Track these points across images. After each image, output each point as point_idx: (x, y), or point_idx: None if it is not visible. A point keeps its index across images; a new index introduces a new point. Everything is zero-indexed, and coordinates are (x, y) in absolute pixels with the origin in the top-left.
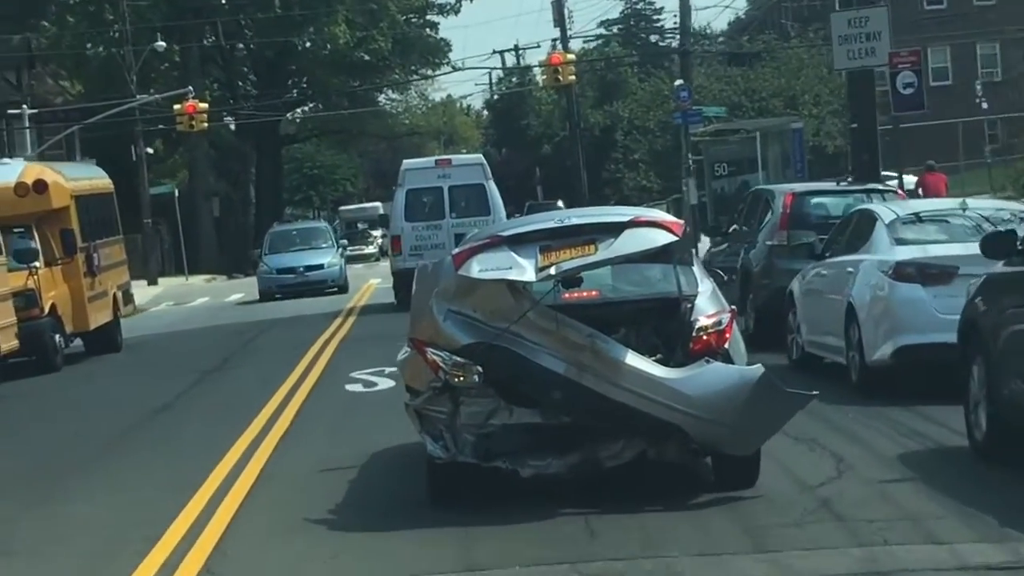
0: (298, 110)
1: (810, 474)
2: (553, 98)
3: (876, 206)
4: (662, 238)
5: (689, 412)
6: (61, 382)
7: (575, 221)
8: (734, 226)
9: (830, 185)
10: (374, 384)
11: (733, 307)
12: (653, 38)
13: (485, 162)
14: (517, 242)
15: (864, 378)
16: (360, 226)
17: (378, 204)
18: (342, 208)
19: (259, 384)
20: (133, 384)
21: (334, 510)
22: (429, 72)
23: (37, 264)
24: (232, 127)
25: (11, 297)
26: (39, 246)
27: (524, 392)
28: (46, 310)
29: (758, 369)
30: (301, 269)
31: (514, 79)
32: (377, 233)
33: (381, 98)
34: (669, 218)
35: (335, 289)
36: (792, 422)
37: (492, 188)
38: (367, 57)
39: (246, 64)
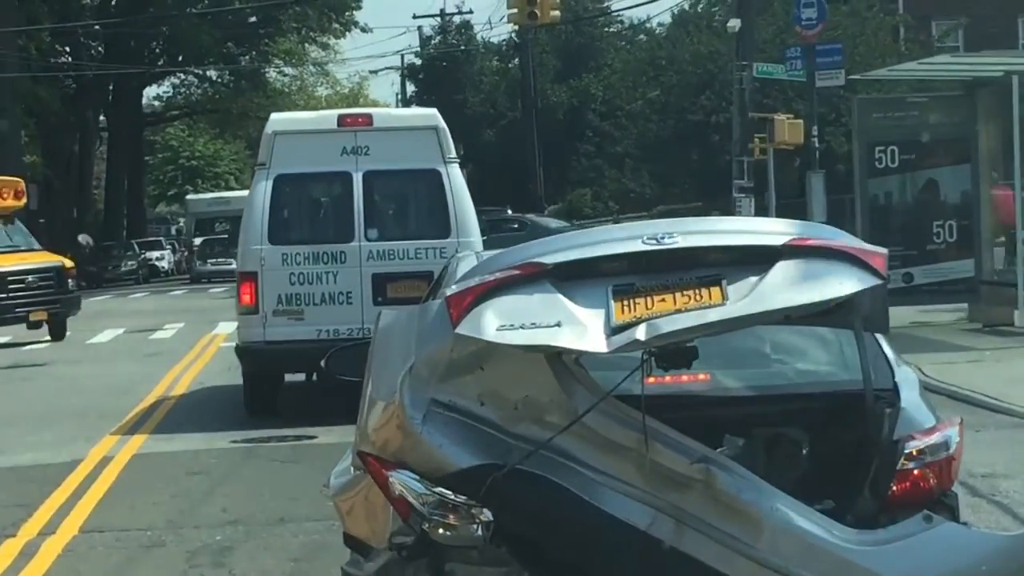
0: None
1: None
2: (499, 68)
3: None
4: (851, 280)
5: None
6: None
7: (682, 241)
8: None
9: None
10: None
11: (960, 417)
12: None
13: (443, 125)
14: (572, 275)
15: None
16: (220, 226)
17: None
18: (190, 198)
19: None
20: None
21: None
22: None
23: None
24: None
25: None
26: None
27: (569, 561)
28: None
29: None
30: None
31: (448, 37)
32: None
33: (271, 71)
34: (858, 243)
35: None
36: None
37: (456, 180)
38: (248, 9)
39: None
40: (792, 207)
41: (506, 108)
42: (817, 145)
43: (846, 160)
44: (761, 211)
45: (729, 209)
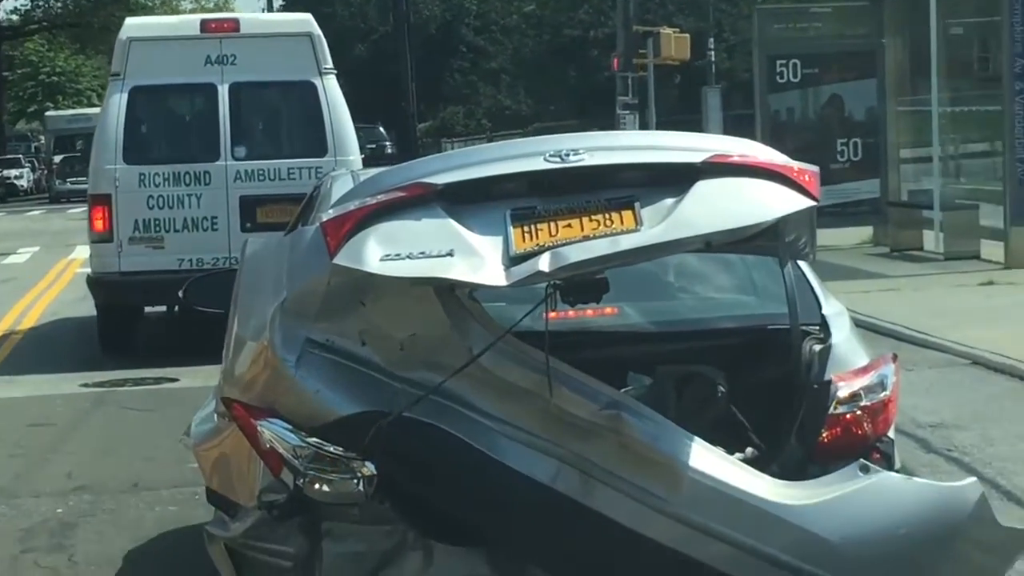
0: None
1: None
2: None
3: None
4: (780, 201)
5: None
6: None
7: (589, 159)
8: None
9: None
10: None
11: (894, 353)
12: None
13: (318, 32)
14: (465, 197)
15: None
16: (80, 144)
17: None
18: (50, 114)
19: None
20: None
21: None
22: None
23: None
24: None
25: None
26: None
27: (462, 518)
28: None
29: (969, 486)
30: None
31: None
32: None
33: None
34: (787, 160)
35: None
36: None
37: (333, 92)
38: None
39: None
40: (673, 124)
41: (377, 22)
42: (713, 59)
43: (727, 76)
44: (643, 129)
45: (613, 127)
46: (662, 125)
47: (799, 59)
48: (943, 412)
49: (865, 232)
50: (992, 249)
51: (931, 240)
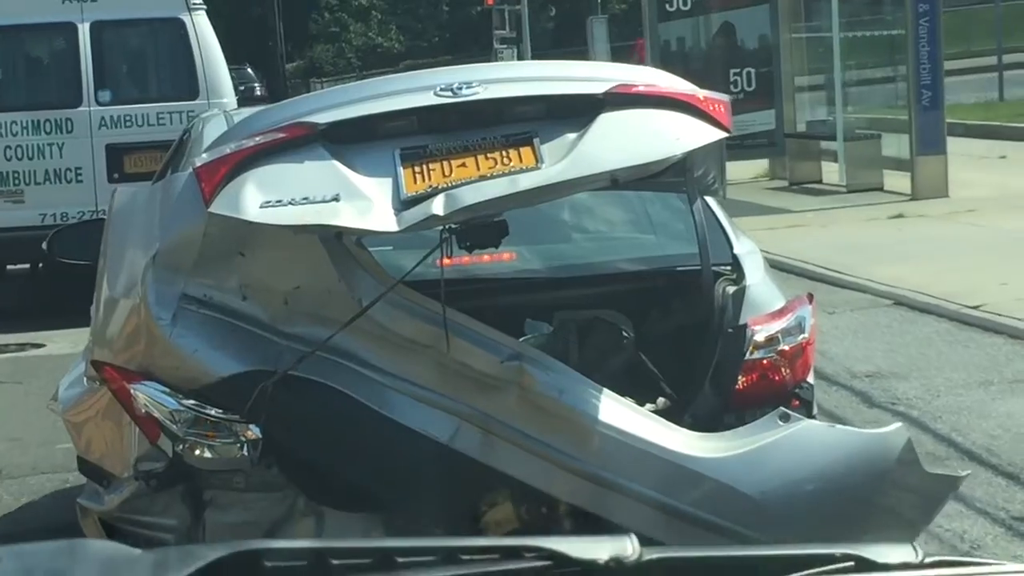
0: None
1: None
2: None
3: None
4: (690, 133)
5: (749, 533)
6: None
7: (483, 92)
8: None
9: None
10: None
11: (809, 293)
12: None
13: None
14: (350, 137)
15: None
16: None
17: None
18: None
19: None
20: None
21: None
22: None
23: None
24: None
25: None
26: None
27: (355, 481)
28: None
29: (894, 431)
30: None
31: None
32: None
33: None
34: (694, 89)
35: None
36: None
37: (204, 30)
38: None
39: None
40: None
41: None
42: None
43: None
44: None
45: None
46: (537, 58)
47: None
48: (877, 359)
49: (761, 166)
50: (895, 180)
51: (831, 172)
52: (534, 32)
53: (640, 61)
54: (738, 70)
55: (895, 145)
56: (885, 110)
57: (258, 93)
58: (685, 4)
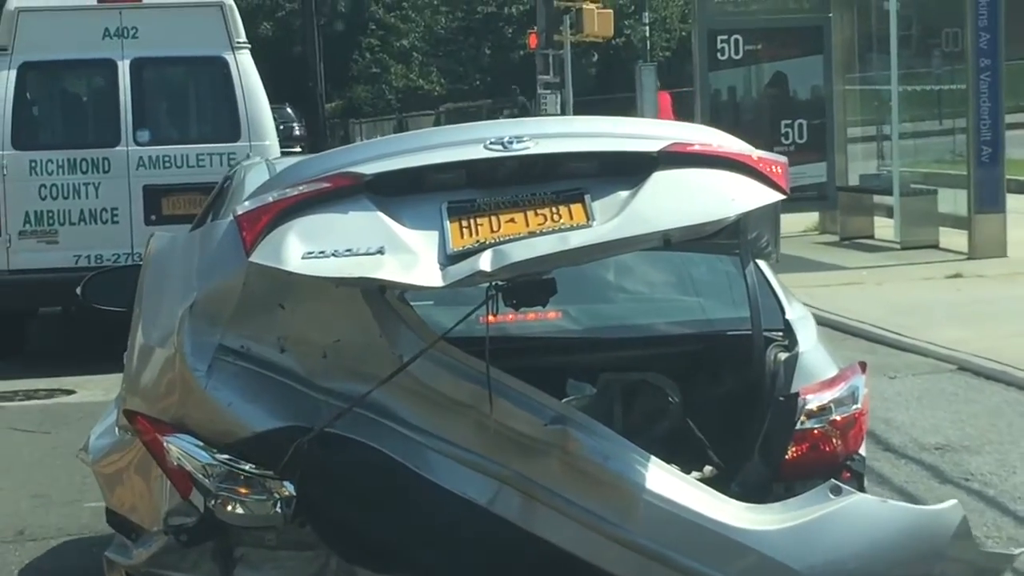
0: None
1: None
2: None
3: None
4: (745, 194)
5: None
6: None
7: (535, 146)
8: None
9: None
10: None
11: (862, 362)
12: None
13: (231, 1)
14: (396, 189)
15: None
16: None
17: None
18: None
19: None
20: None
21: None
22: None
23: None
24: None
25: None
26: None
27: (390, 543)
28: None
29: (950, 508)
30: None
31: None
32: None
33: None
34: (751, 149)
35: None
36: None
37: (247, 70)
38: None
39: None
40: (592, 104)
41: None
42: (648, 34)
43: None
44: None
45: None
46: (580, 106)
47: (741, 35)
48: (945, 430)
49: (811, 219)
50: (951, 238)
51: (883, 227)
52: (576, 78)
53: (663, 115)
54: (789, 121)
55: (951, 201)
56: (940, 165)
57: (296, 133)
58: (737, 53)
